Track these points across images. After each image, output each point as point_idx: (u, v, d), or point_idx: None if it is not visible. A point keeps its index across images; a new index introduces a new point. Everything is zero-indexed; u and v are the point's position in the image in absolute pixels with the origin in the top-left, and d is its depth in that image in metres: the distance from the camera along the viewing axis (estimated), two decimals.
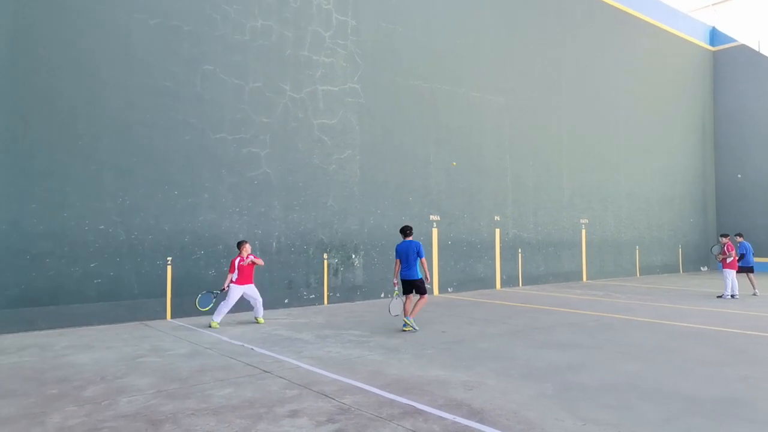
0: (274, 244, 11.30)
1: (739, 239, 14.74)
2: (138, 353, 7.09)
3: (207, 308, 9.38)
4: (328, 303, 12.02)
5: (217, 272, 10.54)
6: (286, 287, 11.47)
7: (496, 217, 15.61)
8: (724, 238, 14.06)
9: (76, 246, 9.16)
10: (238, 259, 9.28)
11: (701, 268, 23.64)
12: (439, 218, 14.23)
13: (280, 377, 5.85)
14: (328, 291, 12.10)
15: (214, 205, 10.63)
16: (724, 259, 13.64)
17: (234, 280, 9.22)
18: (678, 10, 23.81)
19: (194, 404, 4.94)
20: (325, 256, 12.08)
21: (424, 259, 8.86)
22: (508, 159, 16.14)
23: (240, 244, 9.45)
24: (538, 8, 17.32)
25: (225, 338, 8.09)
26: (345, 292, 12.38)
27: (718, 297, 13.59)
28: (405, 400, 5.04)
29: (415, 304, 8.79)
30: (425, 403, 4.95)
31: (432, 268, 14.02)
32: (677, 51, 23.16)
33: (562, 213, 17.63)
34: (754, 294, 14.03)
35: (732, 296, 13.41)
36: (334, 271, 12.19)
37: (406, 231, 9.05)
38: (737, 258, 13.91)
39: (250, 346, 7.47)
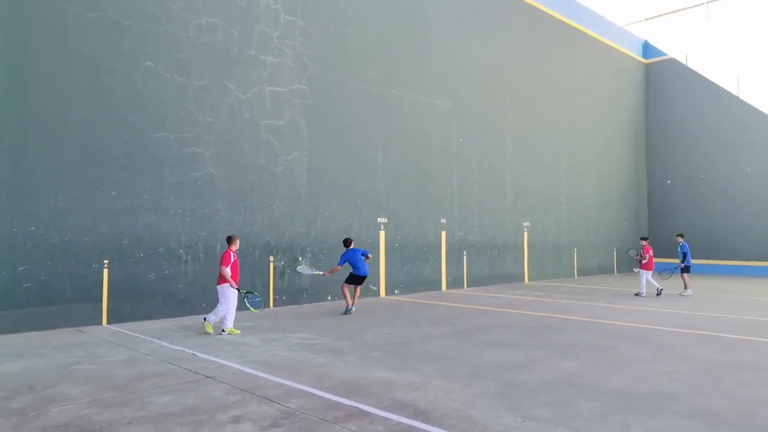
0: (218, 246, 11.05)
1: (680, 240, 15.59)
2: (71, 361, 6.76)
3: (259, 309, 9.61)
4: (274, 306, 11.85)
5: (158, 275, 10.19)
6: None
7: (443, 220, 15.87)
8: (643, 241, 15.11)
9: (2, 249, 8.64)
10: (232, 253, 8.72)
11: (634, 269, 24.83)
12: (386, 221, 14.33)
13: (223, 382, 5.73)
14: (274, 294, 11.93)
15: (156, 207, 10.29)
16: (641, 261, 14.66)
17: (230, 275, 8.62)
18: (614, 23, 24.99)
19: (131, 412, 4.77)
20: (272, 258, 11.92)
21: (370, 255, 11.37)
22: (455, 163, 16.44)
23: (231, 239, 8.88)
24: (483, 16, 17.75)
25: (165, 344, 7.84)
26: (291, 295, 12.25)
27: (636, 294, 14.70)
28: (350, 402, 5.04)
29: (356, 294, 11.35)
30: (371, 405, 4.98)
31: (379, 271, 14.10)
32: (613, 62, 24.31)
33: (505, 216, 18.12)
34: (682, 294, 14.83)
35: (658, 292, 14.32)
36: (280, 274, 12.04)
37: (349, 242, 11.35)
38: (681, 258, 15.00)
39: (192, 352, 7.27)
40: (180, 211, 10.59)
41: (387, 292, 14.22)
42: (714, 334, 8.88)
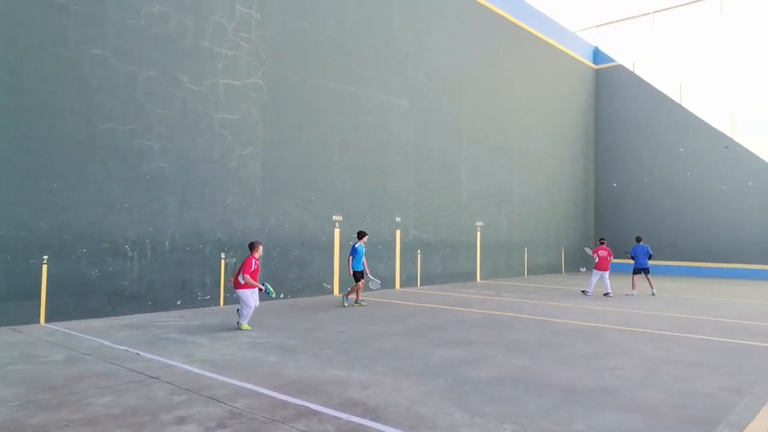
0: (167, 242, 10.73)
1: (638, 242, 16.11)
2: (4, 361, 6.42)
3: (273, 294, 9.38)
4: (224, 304, 11.61)
5: (101, 272, 9.80)
6: (180, 288, 10.92)
7: (398, 218, 15.93)
8: (601, 242, 15.64)
9: None
10: (254, 260, 8.82)
11: (580, 268, 25.67)
12: (341, 218, 14.26)
13: (168, 382, 5.56)
14: (225, 291, 11.69)
15: (101, 200, 9.88)
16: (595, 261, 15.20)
17: (242, 283, 8.70)
18: (567, 29, 25.72)
19: (69, 414, 4.56)
20: (223, 255, 11.67)
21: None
22: (411, 161, 16.53)
23: (253, 245, 9.03)
24: (443, 17, 17.91)
25: (107, 343, 7.55)
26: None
27: (582, 291, 15.35)
28: (300, 402, 4.99)
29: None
30: (320, 404, 4.93)
31: (332, 269, 14.03)
32: (566, 67, 25.01)
33: (460, 215, 18.37)
34: (630, 294, 15.30)
35: (606, 294, 14.73)
36: (231, 271, 11.80)
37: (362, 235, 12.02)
38: (631, 257, 15.64)
39: (136, 351, 7.02)
40: (127, 205, 10.21)
41: (341, 291, 14.16)
42: (654, 331, 9.26)
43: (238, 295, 8.83)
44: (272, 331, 8.70)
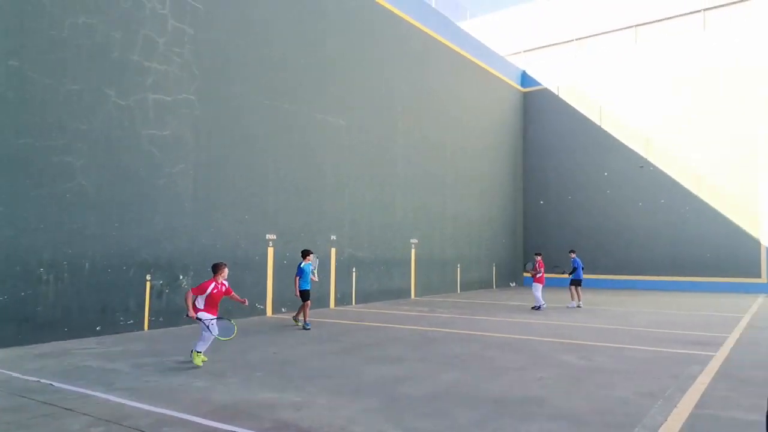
0: (87, 264, 10.13)
1: (573, 255, 16.76)
2: None
3: (231, 336, 7.84)
4: (149, 328, 11.06)
5: (11, 298, 9.10)
6: (100, 312, 10.30)
7: (332, 237, 15.88)
8: (537, 257, 15.96)
9: None
10: (213, 284, 7.55)
11: (510, 283, 26.53)
12: (275, 237, 14.04)
13: (85, 414, 5.22)
14: (150, 315, 11.14)
15: (12, 221, 9.22)
16: (535, 275, 15.50)
17: (201, 307, 7.47)
18: (496, 53, 26.86)
19: None
20: (148, 277, 11.15)
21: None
22: (347, 179, 16.58)
23: (217, 267, 7.67)
24: (376, 37, 18.22)
25: (16, 374, 6.99)
26: (170, 316, 11.50)
27: (533, 308, 15.31)
28: (230, 427, 4.82)
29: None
30: (251, 428, 4.79)
31: (266, 289, 13.75)
32: (495, 89, 26.06)
33: (395, 233, 18.55)
34: (578, 306, 15.84)
35: (539, 307, 15.17)
36: (157, 294, 11.30)
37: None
38: (570, 272, 16.06)
39: (49, 382, 6.55)
40: (42, 226, 9.58)
41: (274, 311, 13.88)
42: (578, 342, 9.69)
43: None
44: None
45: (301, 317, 11.60)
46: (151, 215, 11.29)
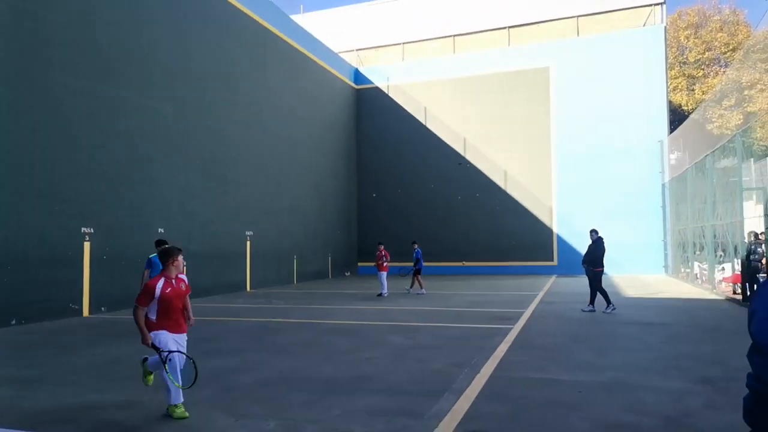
0: None
1: (415, 246, 17.82)
2: None
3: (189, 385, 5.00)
4: None
5: None
6: None
7: (160, 230, 15.00)
8: (380, 246, 16.83)
9: None
10: (163, 281, 4.91)
11: (345, 273, 27.52)
12: (92, 231, 12.86)
13: None
14: None
15: None
16: (380, 263, 16.34)
17: (153, 320, 4.90)
18: (330, 49, 27.43)
19: None
20: None
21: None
22: (176, 170, 15.74)
23: (168, 254, 5.05)
24: (207, 24, 17.48)
25: None
26: None
27: (378, 295, 16.09)
28: None
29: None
30: None
31: (82, 288, 12.57)
32: (330, 84, 26.64)
33: (230, 225, 18.10)
34: (418, 293, 16.89)
35: (381, 294, 16.02)
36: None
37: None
38: (414, 263, 17.11)
39: None
40: None
41: (92, 311, 12.75)
42: (404, 323, 10.58)
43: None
44: (5, 360, 7.48)
45: None
46: None
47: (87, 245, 12.71)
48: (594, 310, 11.86)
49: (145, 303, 4.83)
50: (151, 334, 4.84)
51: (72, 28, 12.60)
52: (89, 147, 12.90)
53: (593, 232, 12.14)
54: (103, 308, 13.03)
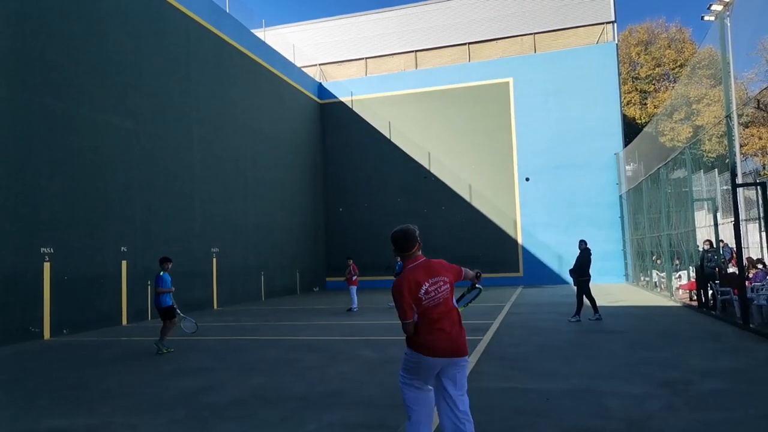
0: None
1: (399, 259, 17.71)
2: None
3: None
4: None
5: None
6: None
7: (123, 248, 14.69)
8: (350, 261, 16.76)
9: None
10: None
11: (314, 288, 27.37)
12: (52, 251, 12.50)
13: None
14: None
15: None
16: (350, 278, 16.29)
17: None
18: (293, 64, 27.50)
19: None
20: None
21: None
22: (138, 187, 15.46)
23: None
24: (164, 37, 17.32)
25: None
26: None
27: (348, 310, 15.99)
28: None
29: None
30: None
31: (42, 310, 12.17)
32: (293, 99, 26.67)
33: (193, 243, 17.83)
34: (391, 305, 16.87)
35: (351, 309, 15.96)
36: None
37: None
38: (395, 274, 17.02)
39: None
40: None
41: (53, 333, 12.35)
42: (375, 338, 10.64)
43: None
44: None
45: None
46: None
47: (47, 265, 12.34)
48: (580, 320, 12.06)
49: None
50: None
51: (21, 41, 12.34)
52: (42, 163, 12.56)
53: (582, 242, 12.61)
54: (65, 330, 12.62)
